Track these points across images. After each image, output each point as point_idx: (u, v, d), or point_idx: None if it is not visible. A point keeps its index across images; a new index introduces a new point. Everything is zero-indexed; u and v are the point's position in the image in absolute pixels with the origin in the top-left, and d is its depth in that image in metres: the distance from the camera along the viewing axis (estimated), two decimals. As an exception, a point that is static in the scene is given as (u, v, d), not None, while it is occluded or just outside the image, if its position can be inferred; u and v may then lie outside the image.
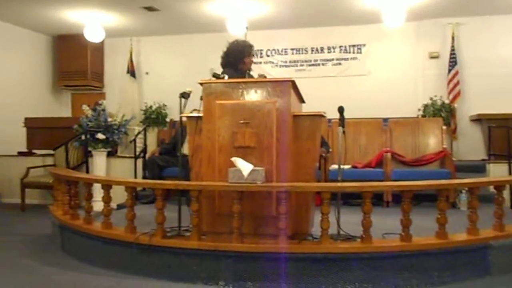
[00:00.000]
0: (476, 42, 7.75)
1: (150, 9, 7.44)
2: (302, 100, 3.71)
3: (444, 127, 6.44)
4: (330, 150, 5.77)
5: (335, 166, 5.75)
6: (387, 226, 3.69)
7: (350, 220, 3.78)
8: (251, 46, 4.19)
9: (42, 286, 3.24)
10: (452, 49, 7.69)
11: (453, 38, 7.71)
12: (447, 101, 7.50)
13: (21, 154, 7.16)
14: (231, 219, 3.16)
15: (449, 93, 7.60)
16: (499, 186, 3.59)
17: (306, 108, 4.16)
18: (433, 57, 7.95)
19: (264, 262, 3.12)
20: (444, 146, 6.17)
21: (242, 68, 4.11)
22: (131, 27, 8.47)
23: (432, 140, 6.26)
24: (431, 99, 7.51)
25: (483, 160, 6.77)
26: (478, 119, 7.43)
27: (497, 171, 6.06)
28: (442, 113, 7.29)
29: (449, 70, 7.67)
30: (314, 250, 3.10)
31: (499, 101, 7.29)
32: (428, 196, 5.05)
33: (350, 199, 5.35)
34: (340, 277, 3.10)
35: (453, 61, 7.67)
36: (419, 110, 7.62)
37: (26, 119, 7.13)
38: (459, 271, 3.23)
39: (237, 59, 4.09)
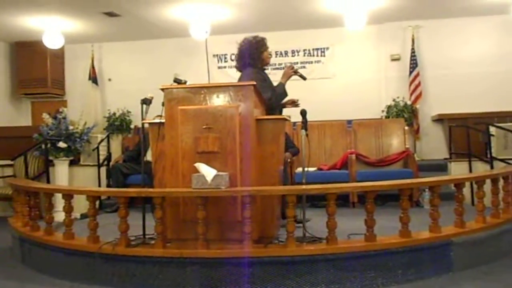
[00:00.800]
0: (435, 44, 7.99)
1: (110, 14, 7.30)
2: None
3: (407, 128, 6.56)
4: (298, 152, 5.80)
5: (301, 169, 5.80)
6: (353, 227, 3.70)
7: (317, 222, 3.82)
8: (263, 39, 4.02)
9: (1, 301, 3.13)
10: (413, 51, 7.88)
11: (413, 41, 7.90)
12: (409, 102, 7.66)
13: (-23, 165, 6.89)
14: (196, 225, 3.13)
15: (411, 94, 7.77)
16: (458, 184, 3.69)
17: (272, 112, 4.16)
18: (395, 59, 8.12)
19: (231, 267, 3.10)
20: (407, 146, 6.26)
21: (263, 65, 4.00)
22: (92, 33, 8.29)
23: (395, 141, 6.35)
24: (393, 100, 7.67)
25: (445, 159, 6.93)
26: (440, 119, 7.64)
27: (458, 169, 6.21)
28: (405, 113, 7.44)
29: (410, 72, 7.85)
30: (280, 253, 3.10)
31: (459, 101, 7.50)
32: (393, 196, 5.14)
33: (316, 201, 5.38)
34: (307, 280, 3.11)
35: (413, 63, 7.85)
36: (382, 111, 7.76)
37: (-17, 129, 6.88)
38: (423, 268, 3.30)
39: (255, 57, 3.94)
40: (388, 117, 7.51)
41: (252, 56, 3.94)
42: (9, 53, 9.08)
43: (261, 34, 8.35)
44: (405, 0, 6.98)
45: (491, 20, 7.75)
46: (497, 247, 3.78)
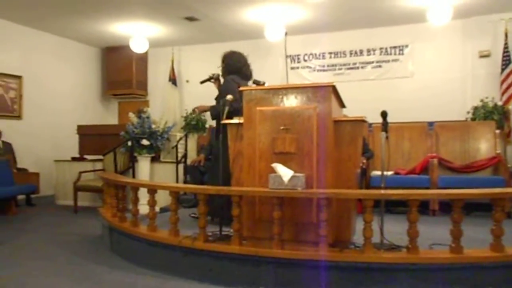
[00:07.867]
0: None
1: (191, 19, 7.61)
2: (342, 105, 3.65)
3: (497, 131, 6.07)
4: (372, 156, 5.64)
5: (376, 173, 5.61)
6: (434, 236, 3.55)
7: (393, 229, 3.68)
8: None
9: (94, 283, 3.36)
10: (506, 47, 7.25)
11: (506, 35, 7.27)
12: (500, 103, 7.03)
13: (74, 159, 7.52)
14: (271, 225, 3.14)
15: (503, 94, 7.14)
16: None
17: (346, 113, 4.09)
18: (484, 55, 7.55)
19: (305, 269, 3.07)
20: (498, 151, 5.80)
21: None
22: (173, 37, 8.68)
23: (484, 145, 5.91)
24: (481, 100, 7.10)
25: (546, 166, 6.33)
26: (537, 122, 6.98)
27: (561, 178, 5.60)
28: (494, 115, 6.84)
29: (503, 69, 7.22)
30: (357, 259, 3.01)
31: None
32: (479, 205, 4.80)
33: (392, 206, 5.18)
34: (383, 288, 2.99)
35: (506, 60, 7.22)
36: (468, 113, 7.24)
37: (78, 126, 7.48)
38: (518, 287, 3.00)
39: None
40: (475, 119, 6.97)
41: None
42: (100, 57, 9.84)
43: (335, 33, 8.28)
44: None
45: None
46: None
